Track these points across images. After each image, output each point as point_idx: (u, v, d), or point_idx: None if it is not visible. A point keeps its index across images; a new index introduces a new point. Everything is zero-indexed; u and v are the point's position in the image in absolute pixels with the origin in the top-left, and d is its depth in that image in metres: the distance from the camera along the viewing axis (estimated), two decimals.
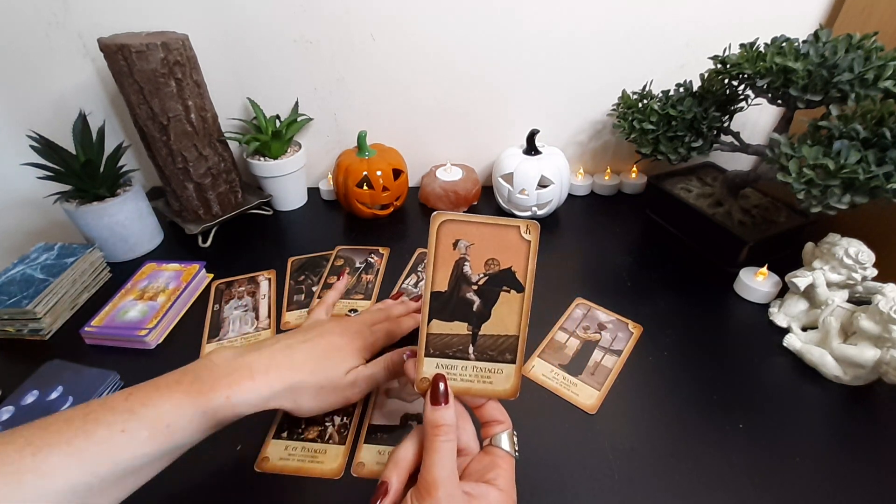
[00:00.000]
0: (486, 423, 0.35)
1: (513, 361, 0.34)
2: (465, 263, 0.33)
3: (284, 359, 0.39)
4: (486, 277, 0.33)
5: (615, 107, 0.69)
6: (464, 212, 0.76)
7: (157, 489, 0.33)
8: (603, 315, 0.56)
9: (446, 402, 0.32)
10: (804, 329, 0.53)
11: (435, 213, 0.33)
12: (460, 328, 0.34)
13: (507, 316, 0.34)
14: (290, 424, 0.45)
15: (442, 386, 0.33)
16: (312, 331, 0.43)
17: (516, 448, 0.34)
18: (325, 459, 0.42)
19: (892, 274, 0.51)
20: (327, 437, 0.44)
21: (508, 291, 0.33)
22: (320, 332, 0.43)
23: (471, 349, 0.34)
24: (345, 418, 0.45)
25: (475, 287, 0.33)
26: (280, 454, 0.42)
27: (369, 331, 0.45)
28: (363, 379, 0.41)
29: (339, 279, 0.56)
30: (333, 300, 0.51)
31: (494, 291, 0.33)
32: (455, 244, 0.33)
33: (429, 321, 0.34)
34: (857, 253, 0.50)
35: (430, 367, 0.34)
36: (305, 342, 0.41)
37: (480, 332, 0.34)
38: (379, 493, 0.31)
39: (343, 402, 0.41)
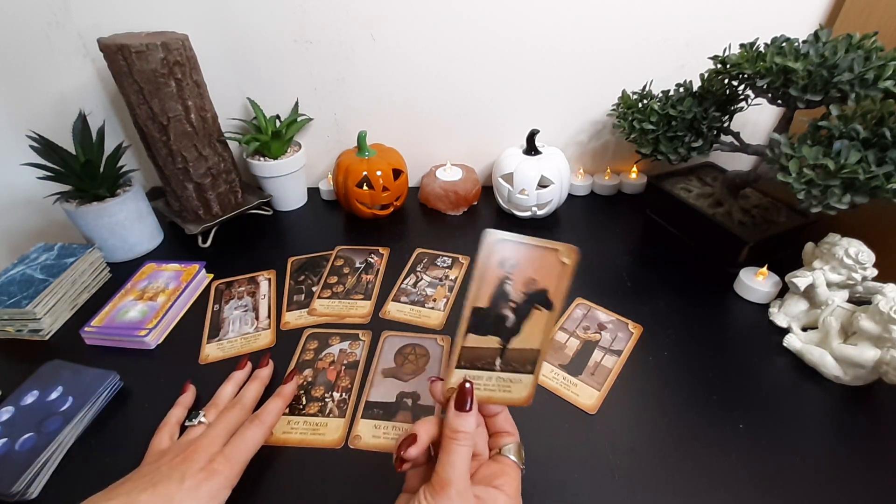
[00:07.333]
0: (496, 434, 0.36)
1: (531, 372, 0.35)
2: (508, 283, 0.34)
3: None
4: (525, 296, 0.34)
5: (615, 107, 0.69)
6: (464, 211, 0.77)
7: None
8: (603, 315, 0.56)
9: (471, 409, 0.33)
10: (804, 329, 0.53)
11: (488, 230, 0.33)
12: (492, 342, 0.35)
13: (534, 331, 0.35)
14: (291, 401, 0.47)
15: (470, 395, 0.33)
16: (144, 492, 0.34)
17: (523, 460, 0.35)
18: (327, 432, 0.45)
19: (892, 274, 0.51)
20: (328, 411, 0.46)
21: (540, 309, 0.35)
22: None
23: (498, 361, 0.35)
24: (343, 394, 0.48)
25: (513, 305, 0.34)
26: (283, 428, 0.45)
27: (208, 471, 0.36)
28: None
29: (183, 392, 0.47)
30: (178, 419, 0.43)
31: (528, 309, 0.35)
32: (501, 263, 0.34)
33: (465, 334, 0.35)
34: (857, 253, 0.49)
35: (457, 377, 0.35)
36: None
37: (509, 346, 0.35)
38: (409, 440, 0.32)
39: None
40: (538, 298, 0.34)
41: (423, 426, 0.33)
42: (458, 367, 0.35)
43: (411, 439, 0.32)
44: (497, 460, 0.34)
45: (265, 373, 0.48)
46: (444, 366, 0.50)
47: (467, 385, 0.34)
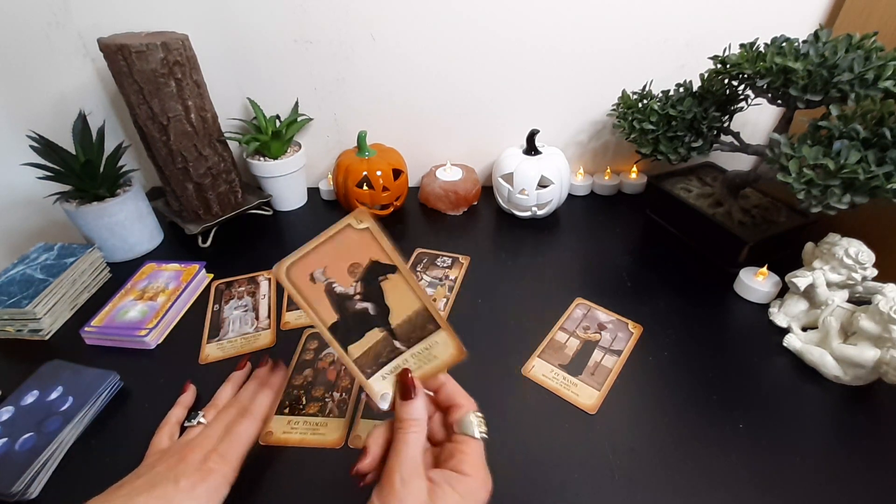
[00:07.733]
0: (450, 408, 0.34)
1: (438, 327, 0.34)
2: (334, 285, 0.34)
3: None
4: (360, 282, 0.34)
5: (615, 107, 0.69)
6: (464, 211, 0.77)
7: None
8: (603, 315, 0.56)
9: (416, 394, 0.33)
10: (804, 329, 0.53)
11: (274, 268, 0.34)
12: (374, 336, 0.35)
13: (403, 297, 0.34)
14: (291, 401, 0.48)
15: (409, 380, 0.34)
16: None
17: (483, 429, 0.33)
18: (327, 431, 0.45)
19: (892, 274, 0.51)
20: (328, 411, 0.46)
21: (387, 278, 0.34)
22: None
23: (397, 343, 0.35)
24: (343, 394, 0.48)
25: (358, 296, 0.34)
26: (283, 428, 0.45)
27: (203, 470, 0.36)
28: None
29: (183, 392, 0.47)
30: (178, 418, 0.43)
31: (376, 287, 0.34)
32: (311, 278, 0.34)
33: (346, 351, 0.34)
34: (857, 253, 0.49)
35: (377, 384, 0.35)
36: None
37: (392, 325, 0.34)
38: (361, 456, 0.33)
39: None
40: (376, 272, 0.34)
41: (372, 437, 0.33)
42: (368, 376, 0.34)
43: (363, 454, 0.32)
44: (452, 440, 0.33)
45: (264, 372, 0.48)
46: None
47: (409, 375, 0.33)
